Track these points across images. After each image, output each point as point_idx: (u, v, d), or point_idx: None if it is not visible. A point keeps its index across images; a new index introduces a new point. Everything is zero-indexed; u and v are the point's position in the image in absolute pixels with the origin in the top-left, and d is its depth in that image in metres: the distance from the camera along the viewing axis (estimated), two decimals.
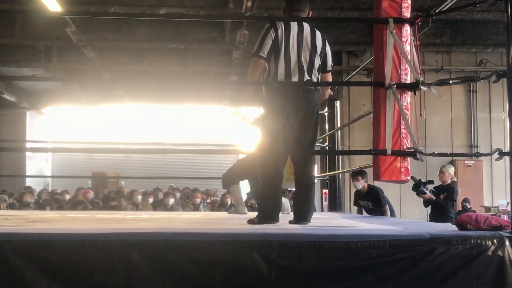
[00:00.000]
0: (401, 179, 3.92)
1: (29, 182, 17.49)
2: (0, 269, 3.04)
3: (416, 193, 7.81)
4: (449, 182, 8.25)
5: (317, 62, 4.65)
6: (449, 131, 13.78)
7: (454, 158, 13.60)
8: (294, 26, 4.58)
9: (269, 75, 4.63)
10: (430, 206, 8.36)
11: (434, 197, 7.92)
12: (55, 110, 20.73)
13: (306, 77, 4.59)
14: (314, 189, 4.83)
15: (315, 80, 4.62)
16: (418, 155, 3.79)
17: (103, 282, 3.08)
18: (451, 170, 8.31)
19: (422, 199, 8.22)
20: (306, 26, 4.63)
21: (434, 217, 8.10)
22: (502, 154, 3.39)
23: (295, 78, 4.55)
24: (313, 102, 4.64)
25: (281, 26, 4.57)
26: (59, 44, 12.71)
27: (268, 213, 4.58)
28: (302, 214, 4.62)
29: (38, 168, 21.97)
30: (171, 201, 10.78)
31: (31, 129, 19.59)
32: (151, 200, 11.33)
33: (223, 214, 7.63)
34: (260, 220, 4.54)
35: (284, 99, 4.53)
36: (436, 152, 4.00)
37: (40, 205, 12.05)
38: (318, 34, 4.67)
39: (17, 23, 11.53)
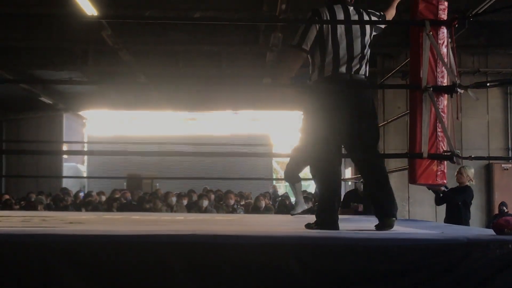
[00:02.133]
0: (437, 183, 3.89)
1: (65, 183, 17.72)
2: (38, 269, 3.08)
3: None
4: (466, 184, 7.99)
5: (368, 50, 4.28)
6: (485, 134, 13.60)
7: (491, 161, 13.44)
8: (339, 12, 4.21)
9: (314, 68, 4.29)
10: (446, 209, 8.17)
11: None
12: (92, 112, 21.05)
13: (357, 68, 4.21)
14: (381, 187, 4.21)
15: (366, 70, 4.30)
16: (455, 159, 3.75)
17: (138, 283, 3.11)
18: (471, 172, 7.93)
19: (435, 198, 8.05)
20: (352, 10, 4.27)
21: (448, 220, 7.86)
22: None
23: (344, 70, 4.18)
24: (365, 94, 4.27)
25: (325, 14, 4.20)
26: (95, 47, 12.86)
27: (328, 220, 4.19)
28: (387, 210, 4.13)
29: (74, 168, 22.29)
30: (205, 203, 10.82)
31: (67, 131, 19.87)
32: (185, 202, 11.40)
33: (258, 217, 7.63)
34: (318, 226, 4.19)
35: (334, 94, 4.16)
36: (473, 156, 3.97)
37: (76, 206, 12.21)
38: (367, 17, 4.31)
39: (54, 27, 11.68)
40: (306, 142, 4.46)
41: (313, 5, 7.68)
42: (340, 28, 4.19)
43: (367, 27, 4.25)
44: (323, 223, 4.16)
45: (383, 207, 4.15)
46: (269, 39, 11.36)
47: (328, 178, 4.28)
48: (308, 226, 4.25)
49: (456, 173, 7.91)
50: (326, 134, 4.20)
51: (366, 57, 4.25)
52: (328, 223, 4.14)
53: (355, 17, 4.23)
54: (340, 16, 4.21)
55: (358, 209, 7.84)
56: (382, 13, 4.44)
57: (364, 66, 4.23)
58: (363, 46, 4.21)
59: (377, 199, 4.21)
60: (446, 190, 7.75)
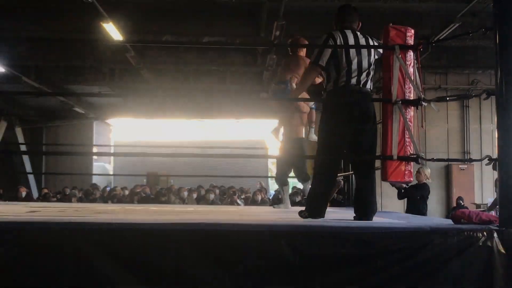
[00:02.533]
0: (405, 180, 3.89)
1: (95, 179, 17.70)
2: (72, 252, 3.08)
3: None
4: (424, 181, 7.97)
5: (373, 68, 4.20)
6: (445, 140, 13.64)
7: (450, 162, 13.46)
8: (350, 36, 4.14)
9: (329, 80, 4.17)
10: (407, 202, 8.17)
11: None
12: (117, 120, 21.02)
13: (365, 81, 4.14)
14: (370, 191, 4.21)
15: (371, 84, 4.24)
16: (419, 160, 3.75)
17: (157, 264, 3.10)
18: (427, 172, 7.94)
19: (397, 193, 8.05)
20: (360, 35, 4.19)
21: (408, 212, 7.84)
22: (491, 160, 3.37)
23: (355, 82, 4.10)
24: (370, 104, 4.21)
25: (339, 36, 4.13)
26: (121, 66, 12.89)
27: (317, 209, 4.12)
28: (363, 211, 4.15)
29: (102, 167, 22.25)
30: (212, 196, 10.82)
31: (97, 136, 19.88)
32: (195, 195, 11.38)
33: (256, 208, 7.62)
34: (309, 214, 4.09)
35: (345, 104, 4.09)
36: (435, 158, 3.97)
37: (104, 199, 12.19)
38: (371, 42, 4.24)
39: (86, 49, 11.69)
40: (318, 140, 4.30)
41: (302, 32, 7.71)
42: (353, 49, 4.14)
43: (373, 51, 4.18)
44: (313, 212, 4.09)
45: (366, 209, 4.15)
46: (265, 60, 11.38)
47: (327, 180, 4.21)
48: (301, 213, 4.14)
49: (416, 173, 7.90)
50: (335, 139, 4.12)
51: (371, 74, 4.17)
52: (318, 213, 4.08)
53: (362, 41, 4.16)
54: (351, 39, 4.14)
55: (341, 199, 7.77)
56: (381, 41, 4.32)
57: (370, 81, 4.17)
58: (369, 64, 4.13)
59: (363, 201, 4.18)
60: (406, 187, 7.75)
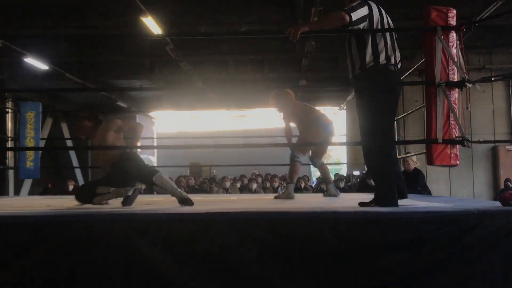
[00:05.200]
0: (451, 163, 3.82)
1: None
2: (121, 239, 3.15)
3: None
4: (414, 167, 7.81)
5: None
6: (491, 121, 13.32)
7: (496, 144, 13.16)
8: (375, 8, 3.92)
9: (364, 53, 3.87)
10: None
11: None
12: (159, 113, 21.28)
13: (400, 59, 3.99)
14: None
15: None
16: (465, 143, 3.69)
17: (203, 250, 3.15)
18: (413, 158, 7.71)
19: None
20: (381, 8, 3.99)
21: None
22: None
23: (394, 58, 3.93)
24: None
25: (373, 5, 3.90)
26: (160, 59, 13.03)
27: (386, 198, 3.77)
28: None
29: (146, 159, 22.54)
30: (254, 185, 10.85)
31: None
32: (238, 184, 11.45)
33: (298, 196, 7.59)
34: (376, 204, 3.77)
35: (389, 80, 3.89)
36: (481, 140, 3.90)
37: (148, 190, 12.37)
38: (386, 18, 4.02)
39: (127, 44, 11.86)
40: (365, 123, 3.91)
41: None
42: (383, 21, 3.94)
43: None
44: (381, 201, 3.77)
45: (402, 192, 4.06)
46: (304, 47, 11.32)
47: (387, 160, 3.88)
48: (364, 204, 3.80)
49: (403, 162, 7.78)
50: (384, 117, 3.85)
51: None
52: (388, 202, 3.75)
53: (386, 14, 4.01)
54: (379, 11, 3.94)
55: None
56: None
57: (399, 58, 4.02)
58: (397, 39, 4.01)
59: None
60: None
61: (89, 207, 4.46)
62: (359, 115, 3.96)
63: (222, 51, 12.19)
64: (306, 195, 8.64)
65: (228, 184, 11.12)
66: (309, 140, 5.74)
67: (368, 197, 4.21)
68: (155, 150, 23.49)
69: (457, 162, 3.86)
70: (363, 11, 3.83)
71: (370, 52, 3.87)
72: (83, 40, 11.57)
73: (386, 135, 3.88)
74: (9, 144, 9.79)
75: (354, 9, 3.81)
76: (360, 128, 3.98)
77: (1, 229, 3.24)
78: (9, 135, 11.68)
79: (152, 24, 9.07)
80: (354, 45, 3.95)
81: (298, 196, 6.18)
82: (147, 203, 4.91)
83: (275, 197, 5.85)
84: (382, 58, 3.87)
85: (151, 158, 23.75)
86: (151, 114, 22.22)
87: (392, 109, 3.98)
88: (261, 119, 23.33)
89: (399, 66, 4.02)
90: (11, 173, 13.18)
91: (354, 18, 3.78)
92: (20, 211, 4.11)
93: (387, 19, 4.02)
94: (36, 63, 11.50)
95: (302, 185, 11.27)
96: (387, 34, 3.92)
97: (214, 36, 11.94)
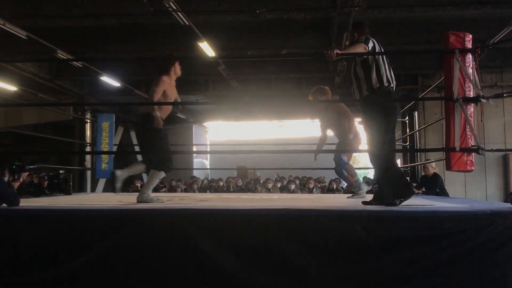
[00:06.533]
0: (467, 169, 3.74)
1: (195, 172, 18.16)
2: (179, 232, 3.20)
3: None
4: (433, 172, 7.45)
5: None
6: (502, 132, 12.93)
7: (507, 152, 12.75)
8: (375, 43, 4.16)
9: (370, 77, 4.07)
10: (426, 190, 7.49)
11: (421, 191, 7.16)
12: (212, 123, 21.46)
13: (395, 83, 4.18)
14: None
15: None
16: (480, 151, 3.62)
17: (249, 244, 3.17)
18: (433, 164, 7.41)
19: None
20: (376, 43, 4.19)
21: None
22: None
23: (392, 80, 4.12)
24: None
25: (373, 39, 4.14)
26: (213, 78, 13.14)
27: (404, 192, 3.96)
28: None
29: (201, 163, 22.79)
30: (292, 186, 10.82)
31: (195, 137, 20.42)
32: (279, 185, 11.43)
33: (332, 196, 7.54)
34: (400, 200, 3.91)
35: (393, 102, 4.13)
36: (494, 148, 3.81)
37: (202, 189, 12.49)
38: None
39: (185, 64, 12.00)
40: (372, 136, 4.07)
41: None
42: (381, 51, 4.19)
43: None
44: (404, 195, 3.94)
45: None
46: (336, 67, 11.26)
47: (395, 164, 4.21)
48: (391, 204, 3.88)
49: (423, 168, 7.60)
50: (389, 129, 4.08)
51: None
52: (406, 194, 3.95)
53: (380, 46, 4.23)
54: (378, 44, 4.18)
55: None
56: None
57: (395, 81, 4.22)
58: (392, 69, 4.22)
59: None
60: (418, 182, 7.38)
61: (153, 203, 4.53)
62: (368, 129, 4.12)
63: (266, 71, 12.24)
64: (338, 195, 8.56)
65: (270, 185, 11.11)
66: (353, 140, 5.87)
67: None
68: (208, 155, 23.73)
69: (473, 168, 3.78)
70: (371, 44, 4.10)
71: (374, 76, 4.06)
72: (149, 62, 11.79)
73: (392, 144, 4.19)
74: (88, 148, 10.07)
75: (366, 42, 4.08)
76: (367, 139, 4.17)
77: (83, 219, 3.34)
78: (88, 141, 12.01)
79: (207, 48, 9.20)
80: (360, 72, 4.15)
81: (330, 196, 6.13)
82: (201, 199, 4.96)
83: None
84: (384, 80, 4.06)
85: (204, 162, 23.99)
86: (205, 124, 22.47)
87: (395, 123, 4.20)
88: (298, 129, 23.26)
89: (394, 87, 4.19)
90: (88, 173, 13.54)
91: (369, 49, 4.07)
92: (97, 205, 4.23)
93: (381, 50, 4.23)
94: (110, 81, 11.80)
95: (334, 186, 11.16)
96: (386, 62, 4.12)
97: (259, 58, 11.98)
